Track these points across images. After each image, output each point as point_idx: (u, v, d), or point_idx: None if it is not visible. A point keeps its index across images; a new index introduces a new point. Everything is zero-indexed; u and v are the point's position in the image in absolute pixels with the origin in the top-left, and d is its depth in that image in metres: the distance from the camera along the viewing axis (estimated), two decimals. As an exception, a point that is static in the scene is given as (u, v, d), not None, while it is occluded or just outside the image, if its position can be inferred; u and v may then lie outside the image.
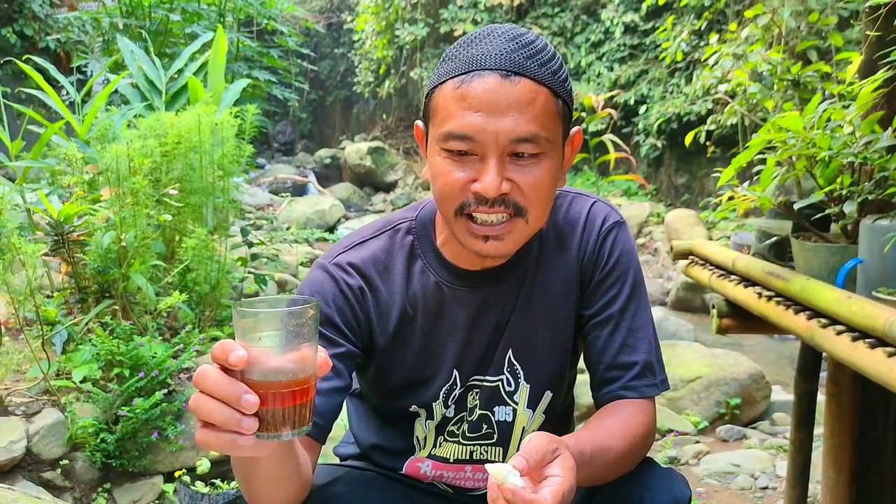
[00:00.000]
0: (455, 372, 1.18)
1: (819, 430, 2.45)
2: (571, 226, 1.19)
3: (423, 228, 1.20)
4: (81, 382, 2.65)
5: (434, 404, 1.19)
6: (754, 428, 3.85)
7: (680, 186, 10.50)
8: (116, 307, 2.94)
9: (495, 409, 1.20)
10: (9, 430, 2.48)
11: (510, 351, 1.18)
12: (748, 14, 2.78)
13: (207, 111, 3.12)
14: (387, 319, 1.16)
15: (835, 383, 2.04)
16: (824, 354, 2.29)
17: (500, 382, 1.19)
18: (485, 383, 1.19)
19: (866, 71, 1.72)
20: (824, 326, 1.53)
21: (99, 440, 2.53)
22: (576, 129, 1.12)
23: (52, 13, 8.58)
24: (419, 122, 1.13)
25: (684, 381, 3.93)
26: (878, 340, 1.35)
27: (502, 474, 0.83)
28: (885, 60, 1.48)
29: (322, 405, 1.07)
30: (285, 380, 0.77)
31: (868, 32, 1.63)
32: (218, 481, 2.44)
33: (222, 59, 3.91)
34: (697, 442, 3.59)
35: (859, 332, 1.42)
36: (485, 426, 1.21)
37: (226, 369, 0.75)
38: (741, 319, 2.13)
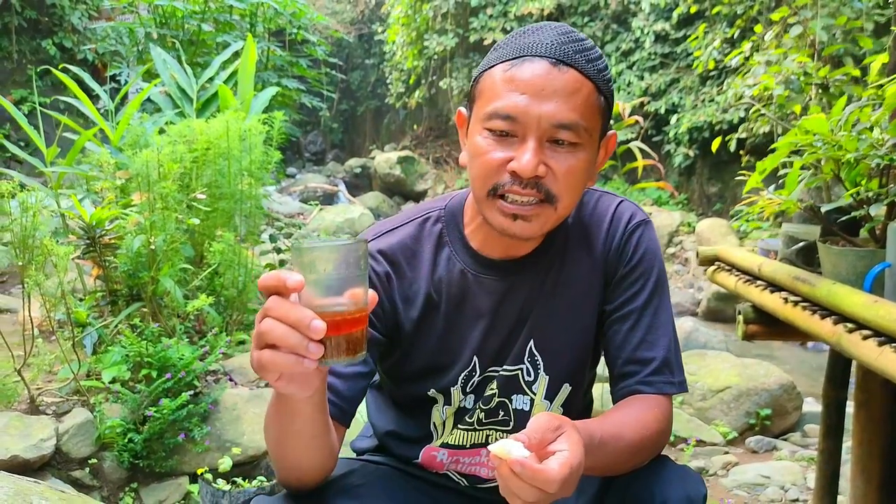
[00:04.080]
0: (475, 358, 1.19)
1: (850, 442, 2.40)
2: (598, 222, 1.20)
3: (451, 217, 1.22)
4: (110, 383, 2.69)
5: (452, 389, 1.20)
6: (785, 439, 3.78)
7: (712, 196, 10.38)
8: (146, 310, 2.99)
9: (513, 397, 1.21)
10: (39, 428, 2.53)
11: (532, 341, 1.19)
12: (774, 17, 2.75)
13: (236, 118, 3.17)
14: (412, 305, 1.18)
15: (864, 391, 2.00)
16: (854, 363, 2.25)
17: (519, 372, 1.20)
18: (504, 372, 1.20)
19: (894, 70, 1.69)
20: (850, 331, 1.50)
21: (126, 440, 2.57)
22: (612, 132, 1.14)
23: (90, 25, 8.78)
24: (462, 109, 1.16)
25: (713, 391, 3.88)
26: (905, 344, 1.33)
27: (506, 449, 0.83)
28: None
29: (346, 389, 1.09)
30: (342, 310, 0.82)
31: (894, 28, 1.60)
32: (239, 479, 2.46)
33: (252, 68, 3.97)
34: (726, 453, 3.53)
35: (886, 337, 1.39)
36: (501, 413, 1.22)
37: None
38: (767, 325, 2.10)
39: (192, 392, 2.70)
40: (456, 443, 1.24)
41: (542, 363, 1.20)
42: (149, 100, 4.23)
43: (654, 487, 1.02)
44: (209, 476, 2.44)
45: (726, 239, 8.18)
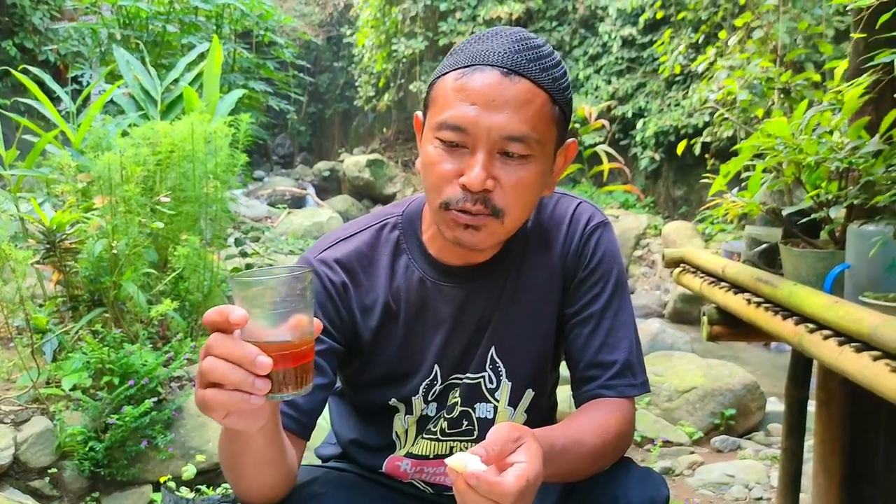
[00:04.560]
0: (436, 367, 1.18)
1: (812, 440, 2.44)
2: (556, 225, 1.20)
3: (409, 224, 1.20)
4: (71, 390, 2.64)
5: (413, 398, 1.19)
6: (749, 438, 3.83)
7: (678, 199, 10.51)
8: (108, 315, 2.94)
9: (476, 405, 1.20)
10: (-3, 438, 2.47)
11: (493, 348, 1.18)
12: (738, 22, 2.80)
13: (201, 120, 3.13)
14: (370, 315, 1.16)
15: (824, 390, 2.03)
16: (815, 363, 2.28)
17: (481, 379, 1.19)
18: (466, 380, 1.19)
19: (853, 75, 1.72)
20: (811, 331, 1.52)
21: (88, 448, 2.52)
22: (571, 140, 1.13)
23: (52, 26, 8.62)
24: (419, 113, 1.14)
25: (679, 392, 3.92)
26: (864, 345, 1.35)
27: (462, 463, 0.82)
28: (870, 64, 1.48)
29: (304, 402, 1.07)
30: (287, 342, 0.82)
31: (853, 35, 1.63)
32: (203, 487, 2.42)
33: (217, 70, 3.92)
34: (692, 452, 3.57)
35: (845, 337, 1.41)
36: (465, 423, 1.21)
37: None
38: (731, 326, 2.12)
39: (155, 399, 2.66)
40: (420, 453, 1.23)
41: (503, 370, 1.19)
42: (111, 101, 4.15)
43: (616, 491, 1.02)
44: (172, 484, 2.40)
45: (692, 241, 8.29)
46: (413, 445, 1.22)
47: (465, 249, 1.09)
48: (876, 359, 1.30)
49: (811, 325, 1.53)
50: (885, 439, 1.94)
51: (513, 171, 1.03)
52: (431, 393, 1.19)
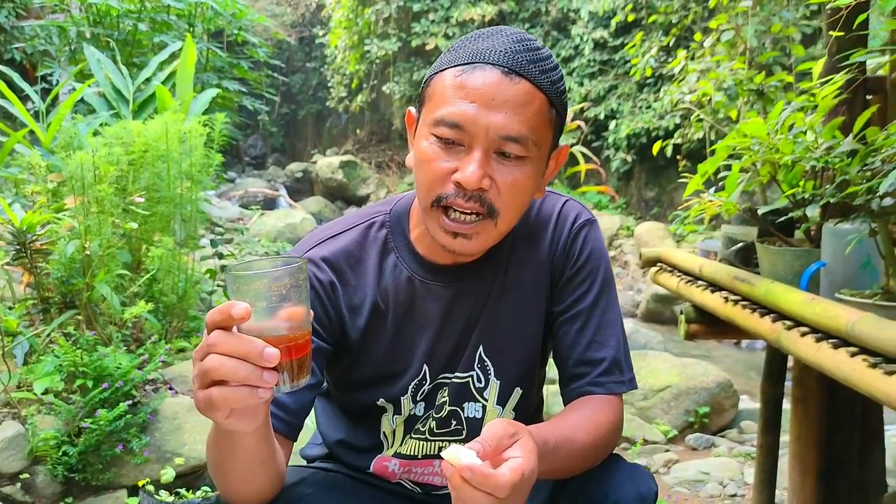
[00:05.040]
0: (425, 367, 1.17)
1: (786, 437, 2.48)
2: (543, 223, 1.20)
3: (397, 222, 1.19)
4: (43, 394, 2.59)
5: (402, 399, 1.18)
6: (723, 436, 3.88)
7: (650, 200, 10.62)
8: (80, 317, 2.89)
9: (465, 405, 1.20)
10: (-34, 443, 2.42)
11: (481, 347, 1.18)
12: (712, 24, 2.84)
13: (176, 119, 3.09)
14: (358, 314, 1.15)
15: (801, 386, 2.06)
16: (789, 364, 2.32)
17: (470, 378, 1.19)
18: (455, 380, 1.19)
19: (829, 74, 1.75)
20: (789, 328, 1.54)
21: (61, 453, 2.47)
22: (564, 144, 1.13)
23: (18, 24, 8.46)
24: (412, 109, 1.13)
25: (654, 391, 3.95)
26: (842, 341, 1.37)
27: (457, 456, 0.82)
28: (845, 63, 1.51)
29: (293, 403, 1.06)
30: (290, 334, 0.81)
31: (832, 33, 1.66)
32: (183, 490, 2.39)
33: (191, 69, 3.88)
34: (667, 451, 3.60)
35: (823, 333, 1.44)
36: (454, 422, 1.20)
37: None
38: (708, 324, 2.15)
39: (130, 402, 2.61)
40: (409, 453, 1.22)
41: (492, 369, 1.18)
42: (82, 101, 4.09)
43: (607, 488, 1.02)
44: (151, 487, 2.37)
45: (664, 242, 8.37)
46: (401, 445, 1.21)
47: (456, 255, 1.09)
48: (853, 354, 1.32)
49: (788, 323, 1.56)
50: (860, 435, 1.98)
51: (508, 172, 1.02)
52: (420, 393, 1.18)
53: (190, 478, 2.57)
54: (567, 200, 1.22)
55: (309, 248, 1.16)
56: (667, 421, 3.85)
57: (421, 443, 1.21)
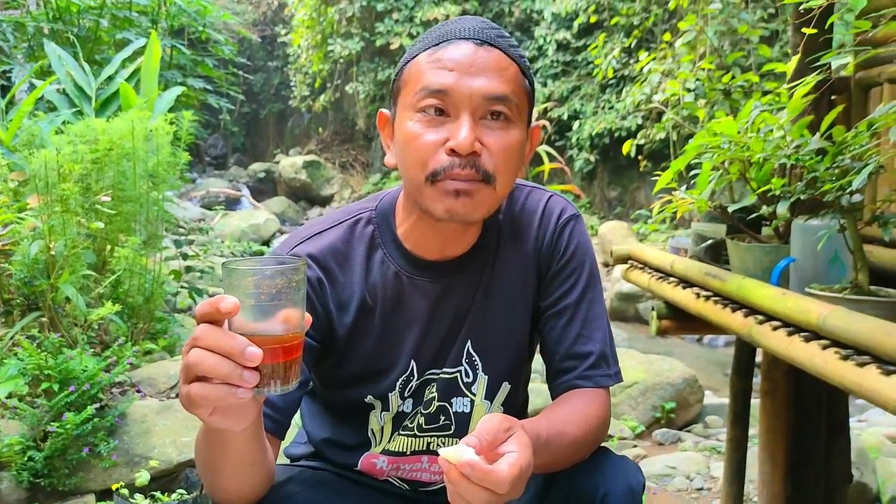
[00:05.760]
0: (413, 363, 1.17)
1: (754, 430, 2.53)
2: (529, 218, 1.20)
3: (383, 218, 1.19)
4: (7, 398, 2.52)
5: (390, 395, 1.18)
6: (689, 431, 3.95)
7: (612, 199, 10.75)
8: (44, 319, 2.82)
9: (453, 400, 1.20)
10: (-74, 449, 2.35)
11: (469, 342, 1.18)
12: (681, 25, 2.89)
13: (142, 117, 3.04)
14: (346, 311, 1.15)
15: (769, 380, 2.11)
16: (759, 355, 2.37)
17: (458, 374, 1.19)
18: (443, 375, 1.19)
19: (800, 73, 1.80)
20: (761, 323, 1.57)
21: (26, 458, 2.41)
22: (535, 123, 1.14)
23: (-29, 19, 8.22)
24: (383, 110, 1.13)
25: (622, 387, 4.00)
26: (813, 334, 1.40)
27: (456, 453, 0.82)
28: (816, 64, 1.55)
29: (281, 401, 1.06)
30: (278, 336, 0.79)
31: (806, 30, 1.70)
32: (158, 493, 2.36)
33: (156, 66, 3.82)
34: (635, 446, 3.66)
35: (795, 327, 1.47)
36: (442, 418, 1.21)
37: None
38: (680, 320, 2.18)
39: (97, 405, 2.56)
40: (397, 449, 1.22)
41: (480, 364, 1.19)
42: (42, 98, 3.99)
43: (596, 480, 1.03)
44: (125, 491, 2.32)
45: (627, 241, 8.48)
46: (390, 442, 1.21)
47: (459, 222, 1.08)
48: (825, 347, 1.35)
49: (760, 317, 1.59)
50: (827, 426, 2.03)
51: (497, 135, 1.04)
52: (408, 389, 1.18)
53: (163, 481, 2.53)
54: (551, 196, 1.23)
55: (295, 244, 1.15)
56: (634, 417, 3.91)
57: (409, 439, 1.21)
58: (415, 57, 1.06)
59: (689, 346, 6.41)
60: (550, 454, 0.98)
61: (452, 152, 1.01)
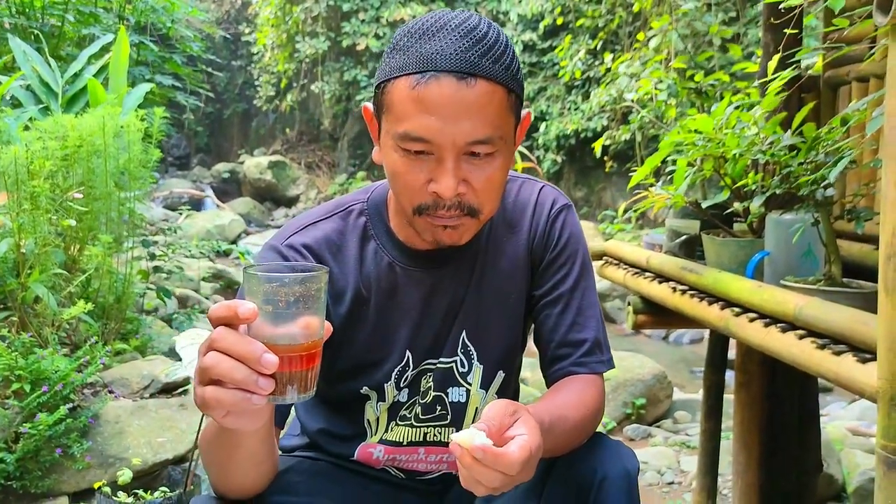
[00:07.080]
0: (408, 353, 1.18)
1: (728, 422, 2.58)
2: (521, 209, 1.22)
3: (375, 210, 1.20)
4: (-25, 400, 2.47)
5: (385, 385, 1.19)
6: (659, 426, 4.01)
7: (579, 200, 10.86)
8: (14, 319, 2.77)
9: (449, 390, 1.21)
10: None
11: (464, 332, 1.19)
12: (655, 25, 2.95)
13: (112, 113, 3.00)
14: (340, 301, 1.15)
15: (744, 372, 2.16)
16: (732, 350, 2.42)
17: (453, 364, 1.20)
18: (439, 365, 1.20)
19: (776, 72, 1.85)
20: (737, 315, 1.61)
21: (-3, 460, 2.37)
22: (526, 111, 1.14)
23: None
24: (368, 105, 1.12)
25: (593, 384, 4.05)
26: (789, 325, 1.44)
27: (468, 438, 0.83)
28: (791, 61, 1.60)
29: None
30: (297, 344, 0.78)
31: (787, 31, 1.75)
32: (140, 492, 2.33)
33: (125, 62, 3.76)
34: (608, 442, 3.71)
35: (771, 319, 1.51)
36: (438, 408, 1.22)
37: None
38: (656, 315, 2.22)
39: (69, 406, 2.52)
40: (394, 439, 1.23)
41: (475, 353, 1.20)
42: (6, 94, 3.91)
43: (594, 464, 1.05)
44: (107, 490, 2.29)
45: (593, 240, 8.51)
46: (387, 432, 1.22)
47: (444, 246, 1.11)
48: (801, 337, 1.39)
49: (737, 310, 1.63)
50: (798, 416, 2.09)
51: (481, 171, 1.03)
52: (403, 379, 1.19)
53: (138, 482, 2.50)
54: (543, 186, 1.25)
55: (288, 235, 1.16)
56: (606, 413, 3.96)
57: (407, 429, 1.22)
58: (396, 78, 1.01)
59: (655, 344, 6.51)
60: (554, 438, 0.99)
61: (437, 195, 1.02)
